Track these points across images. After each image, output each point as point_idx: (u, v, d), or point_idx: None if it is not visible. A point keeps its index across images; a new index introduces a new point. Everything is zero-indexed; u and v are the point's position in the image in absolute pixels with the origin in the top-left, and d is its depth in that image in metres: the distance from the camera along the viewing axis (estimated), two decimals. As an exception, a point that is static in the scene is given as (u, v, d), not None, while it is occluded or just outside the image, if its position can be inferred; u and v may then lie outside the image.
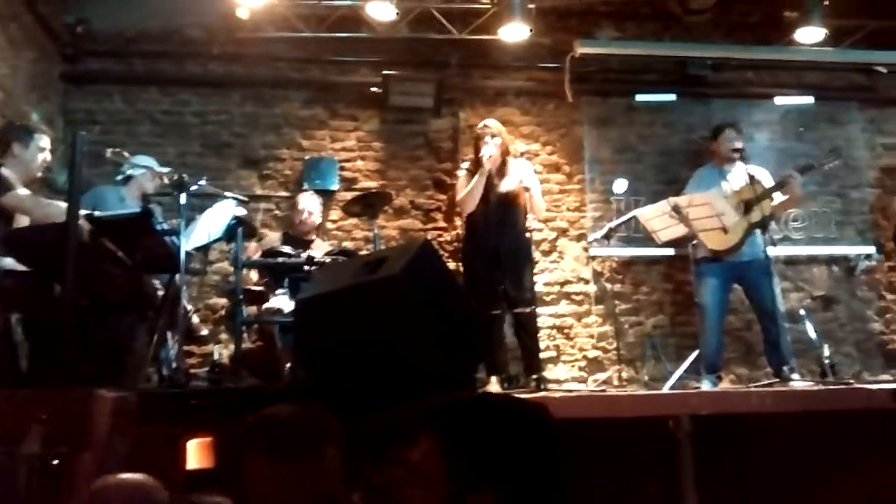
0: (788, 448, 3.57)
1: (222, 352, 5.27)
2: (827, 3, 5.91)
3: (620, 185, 6.15)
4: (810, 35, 6.04)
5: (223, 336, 5.50)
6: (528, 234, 5.07)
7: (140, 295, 4.10)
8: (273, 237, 5.47)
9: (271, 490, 1.79)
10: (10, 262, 3.75)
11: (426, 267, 3.09)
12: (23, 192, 3.98)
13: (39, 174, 4.31)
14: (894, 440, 3.46)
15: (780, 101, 6.59)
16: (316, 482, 1.81)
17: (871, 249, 6.49)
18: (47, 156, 4.28)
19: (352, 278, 3.18)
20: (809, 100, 6.62)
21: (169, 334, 4.17)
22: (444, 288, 3.16)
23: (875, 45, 6.41)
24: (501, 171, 5.14)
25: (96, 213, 3.88)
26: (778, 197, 5.17)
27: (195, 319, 5.01)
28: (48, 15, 5.64)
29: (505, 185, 5.10)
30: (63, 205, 3.85)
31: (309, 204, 5.48)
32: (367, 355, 3.01)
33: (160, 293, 4.33)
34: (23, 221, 4.06)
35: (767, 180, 5.26)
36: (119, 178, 4.98)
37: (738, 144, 5.33)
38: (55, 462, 2.43)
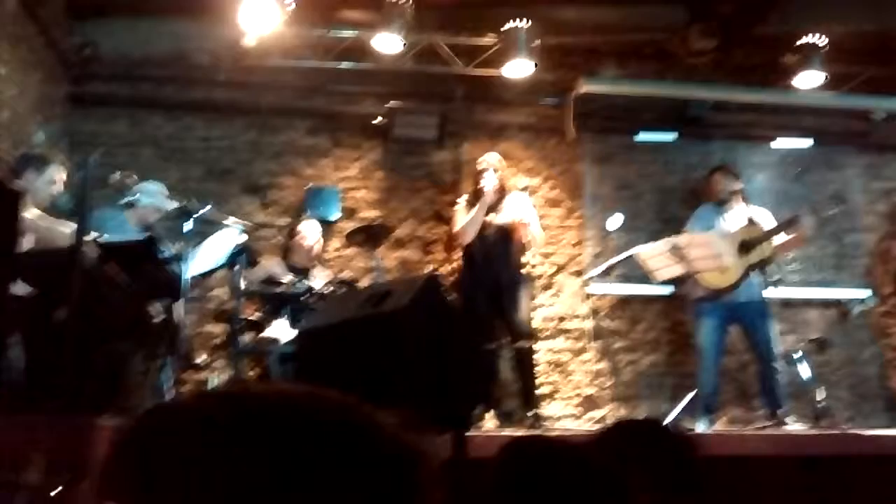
0: (785, 493, 3.55)
1: (217, 380, 5.24)
2: (827, 48, 6.00)
3: (615, 220, 6.18)
4: (810, 79, 6.10)
5: (219, 364, 5.47)
6: (525, 268, 5.08)
7: (140, 321, 4.08)
8: (271, 263, 5.42)
9: None
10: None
11: (432, 301, 3.09)
12: (34, 211, 3.99)
13: (46, 204, 4.30)
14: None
15: (778, 143, 6.67)
16: None
17: (867, 293, 6.51)
18: (60, 187, 4.27)
19: (357, 311, 3.17)
20: (808, 143, 6.71)
21: (166, 361, 4.15)
22: (450, 323, 3.16)
23: (873, 91, 6.49)
24: (497, 204, 5.17)
25: (102, 239, 3.88)
26: (779, 238, 5.19)
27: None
28: (58, 37, 5.67)
29: (502, 218, 5.12)
30: (67, 227, 3.86)
31: (310, 231, 5.45)
32: (368, 389, 3.00)
33: (159, 319, 4.32)
34: (28, 241, 4.05)
35: (768, 222, 5.29)
36: (122, 202, 4.95)
37: (735, 186, 5.37)
38: (55, 492, 2.40)
